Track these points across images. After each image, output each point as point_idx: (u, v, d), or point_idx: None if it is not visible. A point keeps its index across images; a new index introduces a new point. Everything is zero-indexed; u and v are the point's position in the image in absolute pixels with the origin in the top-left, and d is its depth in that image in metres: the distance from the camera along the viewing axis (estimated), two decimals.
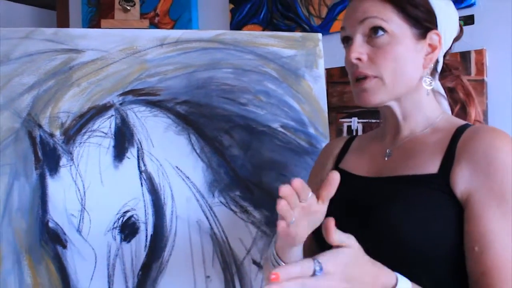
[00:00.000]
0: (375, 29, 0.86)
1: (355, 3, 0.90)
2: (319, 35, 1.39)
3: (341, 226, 0.89)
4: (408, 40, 0.87)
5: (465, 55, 1.44)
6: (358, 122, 1.66)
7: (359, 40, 0.88)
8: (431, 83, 0.89)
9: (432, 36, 0.88)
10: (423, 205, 0.80)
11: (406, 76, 0.87)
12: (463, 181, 0.79)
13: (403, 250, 0.80)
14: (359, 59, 0.87)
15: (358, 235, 0.85)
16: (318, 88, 1.36)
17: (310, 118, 1.35)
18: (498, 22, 1.43)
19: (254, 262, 1.28)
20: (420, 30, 0.87)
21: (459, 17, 1.45)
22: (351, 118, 1.66)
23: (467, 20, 1.46)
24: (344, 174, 0.97)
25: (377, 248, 0.82)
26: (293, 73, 1.36)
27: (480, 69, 1.43)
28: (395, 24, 0.86)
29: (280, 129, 1.33)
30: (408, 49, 0.87)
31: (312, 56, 1.37)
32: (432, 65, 0.90)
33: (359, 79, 0.88)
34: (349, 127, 1.67)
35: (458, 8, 1.44)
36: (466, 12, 1.47)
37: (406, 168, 0.86)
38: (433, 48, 0.89)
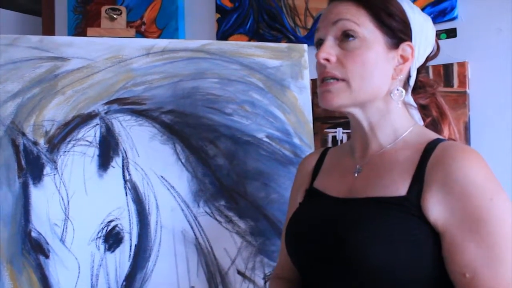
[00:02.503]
0: (346, 33, 0.86)
1: (331, 6, 0.90)
2: (305, 46, 1.40)
3: (310, 249, 0.89)
4: (379, 48, 0.86)
5: (447, 68, 1.46)
6: (343, 133, 1.67)
7: (330, 42, 0.87)
8: (401, 95, 0.88)
9: (404, 47, 0.88)
10: (392, 229, 0.79)
11: (373, 83, 0.86)
12: (435, 206, 0.78)
13: (371, 276, 0.79)
14: (327, 60, 0.87)
15: (327, 259, 0.84)
16: (303, 98, 1.37)
17: (295, 129, 1.36)
18: (480, 35, 1.46)
19: (239, 272, 1.28)
20: (393, 39, 0.87)
21: (442, 30, 1.49)
22: (336, 128, 1.68)
23: (450, 33, 1.49)
24: (317, 195, 0.96)
25: (345, 273, 0.81)
26: (278, 83, 1.37)
27: (463, 81, 1.45)
28: (368, 30, 0.85)
29: (265, 139, 1.34)
30: (378, 56, 0.86)
31: (297, 67, 1.38)
32: (403, 77, 0.90)
33: (325, 80, 0.88)
34: (334, 137, 1.68)
35: (440, 22, 1.48)
36: (449, 25, 1.49)
37: (375, 189, 0.85)
38: (404, 59, 0.88)
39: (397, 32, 0.87)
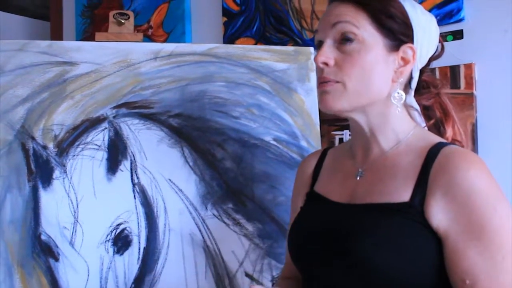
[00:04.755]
0: (345, 35, 0.84)
1: (331, 7, 0.89)
2: (311, 48, 1.41)
3: (313, 255, 0.88)
4: (379, 50, 0.84)
5: (454, 69, 1.46)
6: (349, 135, 1.67)
7: (328, 44, 0.86)
8: (401, 98, 0.87)
9: (406, 49, 0.86)
10: (395, 235, 0.79)
11: (372, 87, 0.85)
12: (439, 213, 0.77)
13: (375, 282, 0.79)
14: (325, 63, 0.85)
15: (330, 265, 0.84)
16: (310, 101, 1.37)
17: (302, 131, 1.36)
18: (487, 37, 1.45)
19: (247, 275, 1.28)
20: (394, 42, 0.85)
21: (448, 32, 1.49)
22: (343, 130, 1.68)
23: (456, 35, 1.48)
24: (318, 199, 0.95)
25: (349, 280, 0.81)
26: (285, 86, 1.37)
27: (470, 83, 1.45)
28: (367, 32, 0.84)
29: (272, 142, 1.34)
30: (378, 59, 0.84)
31: (304, 70, 1.38)
32: (403, 80, 0.88)
33: (322, 82, 0.87)
34: (341, 139, 1.68)
35: (447, 23, 1.48)
36: (455, 27, 1.49)
37: (378, 195, 0.84)
38: (405, 62, 0.86)
39: (398, 34, 0.85)
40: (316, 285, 0.89)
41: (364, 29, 0.84)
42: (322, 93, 0.87)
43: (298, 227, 0.95)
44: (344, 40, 0.85)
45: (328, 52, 0.86)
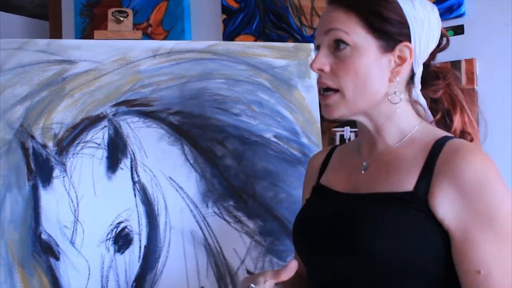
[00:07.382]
0: (337, 42, 0.85)
1: (325, 11, 0.89)
2: (311, 45, 1.40)
3: (316, 245, 0.88)
4: (371, 53, 0.85)
5: (455, 65, 1.45)
6: (350, 131, 1.66)
7: (324, 51, 0.87)
8: (399, 97, 0.87)
9: (402, 48, 0.86)
10: (397, 223, 0.79)
11: (368, 90, 0.85)
12: (444, 204, 0.78)
13: (379, 270, 0.79)
14: (321, 70, 0.87)
15: (334, 254, 0.84)
16: (310, 98, 1.37)
17: (303, 128, 1.35)
18: (488, 32, 1.45)
19: (249, 272, 1.28)
20: (388, 42, 0.85)
21: (449, 27, 1.48)
22: (343, 127, 1.67)
23: (457, 30, 1.48)
24: (324, 190, 0.97)
25: (352, 268, 0.82)
26: (285, 83, 1.36)
27: (471, 78, 1.44)
28: (359, 37, 0.84)
29: (273, 139, 1.34)
30: (371, 62, 0.85)
31: (304, 66, 1.38)
32: (401, 78, 0.87)
33: (323, 93, 0.88)
34: (341, 136, 1.68)
35: (447, 19, 1.47)
36: (456, 22, 1.49)
37: (382, 185, 0.85)
38: (402, 60, 0.86)
39: (392, 35, 0.85)
40: (319, 273, 0.89)
41: (355, 34, 0.84)
42: (324, 105, 0.89)
43: (302, 218, 0.96)
44: (337, 46, 0.86)
45: (323, 58, 0.87)
